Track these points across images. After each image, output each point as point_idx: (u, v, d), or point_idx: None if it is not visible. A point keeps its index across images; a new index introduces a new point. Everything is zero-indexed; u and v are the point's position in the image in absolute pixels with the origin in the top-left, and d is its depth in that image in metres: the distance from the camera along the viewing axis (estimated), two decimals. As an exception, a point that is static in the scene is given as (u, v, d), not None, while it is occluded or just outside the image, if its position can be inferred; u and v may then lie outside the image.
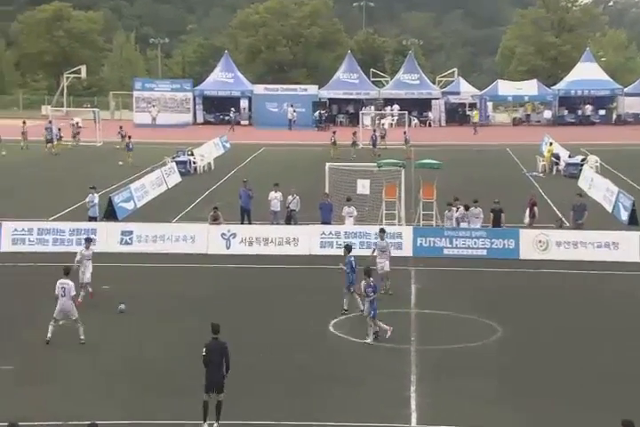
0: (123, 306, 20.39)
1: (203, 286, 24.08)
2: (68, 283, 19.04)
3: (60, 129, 53.82)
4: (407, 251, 27.62)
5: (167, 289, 23.59)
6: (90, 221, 29.49)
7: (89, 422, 12.38)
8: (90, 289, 22.26)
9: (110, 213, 32.06)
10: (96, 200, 30.12)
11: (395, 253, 27.51)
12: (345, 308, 21.14)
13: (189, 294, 23.06)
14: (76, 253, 22.56)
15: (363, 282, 19.52)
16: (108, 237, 27.98)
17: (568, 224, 29.19)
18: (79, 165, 47.68)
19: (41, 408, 15.17)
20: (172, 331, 20.17)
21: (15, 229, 27.92)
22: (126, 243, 27.97)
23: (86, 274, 22.11)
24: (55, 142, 52.58)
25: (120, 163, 46.79)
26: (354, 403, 16.10)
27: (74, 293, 19.09)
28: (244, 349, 18.82)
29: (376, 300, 19.34)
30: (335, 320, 20.80)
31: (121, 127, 54.69)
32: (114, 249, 27.43)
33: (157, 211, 33.90)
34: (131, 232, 28.14)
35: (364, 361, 18.34)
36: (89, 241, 22.90)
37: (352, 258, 21.42)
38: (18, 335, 19.55)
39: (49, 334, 18.89)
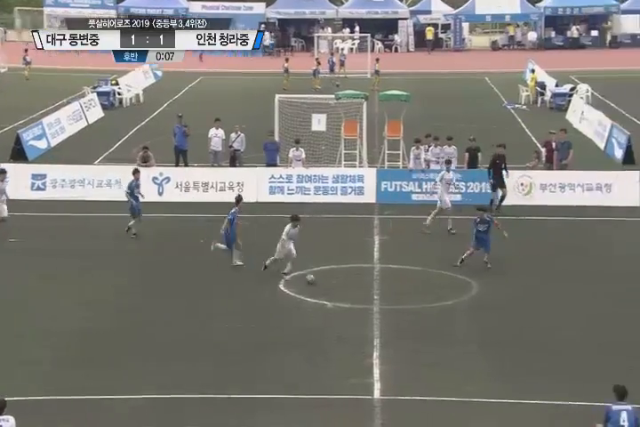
0: (311, 276, 20.31)
1: (122, 240, 23.60)
2: None
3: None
4: (370, 197, 27.60)
5: (77, 244, 23.34)
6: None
7: None
8: None
9: (19, 153, 31.48)
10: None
11: (355, 199, 27.52)
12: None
13: (98, 250, 22.77)
14: None
15: None
16: (16, 181, 27.43)
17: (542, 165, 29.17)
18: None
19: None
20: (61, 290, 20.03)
21: None
22: (38, 188, 27.64)
23: (3, 212, 22.74)
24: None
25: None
26: (308, 372, 16.09)
27: None
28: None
29: None
30: (286, 278, 20.75)
31: (26, 51, 52.24)
32: (23, 196, 26.90)
33: (76, 151, 33.37)
34: (44, 176, 27.76)
35: (320, 324, 18.33)
36: (3, 173, 23.10)
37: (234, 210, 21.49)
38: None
39: None
